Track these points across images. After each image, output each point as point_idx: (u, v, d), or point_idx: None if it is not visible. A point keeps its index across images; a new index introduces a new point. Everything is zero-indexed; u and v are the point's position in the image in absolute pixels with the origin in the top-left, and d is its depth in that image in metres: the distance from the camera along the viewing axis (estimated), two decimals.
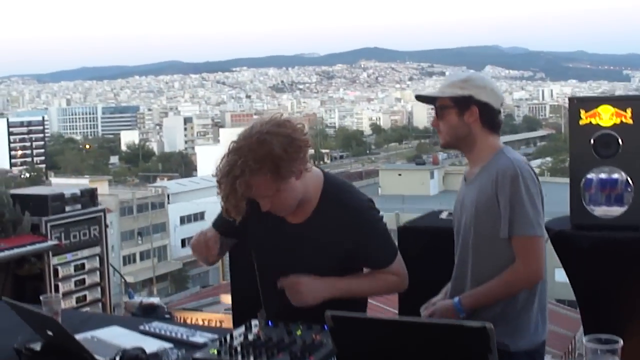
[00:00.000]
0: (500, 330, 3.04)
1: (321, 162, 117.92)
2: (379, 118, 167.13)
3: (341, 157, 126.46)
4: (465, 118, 3.28)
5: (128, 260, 53.45)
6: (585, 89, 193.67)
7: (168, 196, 58.37)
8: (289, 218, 3.20)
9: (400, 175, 66.29)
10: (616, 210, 4.57)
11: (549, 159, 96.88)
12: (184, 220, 56.50)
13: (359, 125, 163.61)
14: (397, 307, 4.76)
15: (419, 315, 3.35)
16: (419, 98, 3.51)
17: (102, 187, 54.48)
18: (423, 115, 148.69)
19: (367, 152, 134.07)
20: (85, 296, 6.53)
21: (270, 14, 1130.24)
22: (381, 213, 3.31)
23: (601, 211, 4.59)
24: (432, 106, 3.42)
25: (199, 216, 54.76)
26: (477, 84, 3.30)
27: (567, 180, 4.72)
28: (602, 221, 4.57)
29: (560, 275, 4.88)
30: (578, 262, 4.53)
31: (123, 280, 7.12)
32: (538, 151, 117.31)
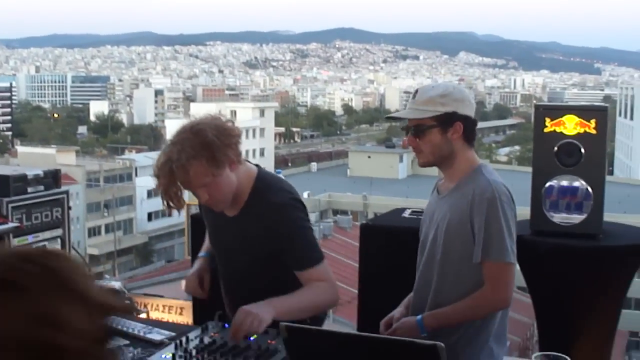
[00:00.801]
0: (467, 352, 3.09)
1: (291, 141, 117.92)
2: (351, 99, 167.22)
3: (312, 136, 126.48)
4: (449, 135, 3.11)
5: (93, 232, 53.22)
6: (557, 80, 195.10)
7: (136, 169, 58.04)
8: (226, 211, 3.28)
9: (369, 157, 66.38)
10: (575, 218, 4.63)
11: (517, 147, 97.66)
12: (151, 194, 56.18)
13: (330, 105, 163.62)
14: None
15: (379, 313, 3.34)
16: (395, 119, 3.38)
17: (69, 158, 54.10)
18: (395, 98, 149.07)
19: (338, 132, 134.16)
20: None
21: None
22: (310, 215, 3.39)
23: (560, 218, 4.65)
24: (401, 125, 3.27)
25: None
26: (456, 97, 3.13)
27: None
28: (561, 228, 4.63)
29: None
30: (536, 267, 4.59)
31: (85, 263, 7.07)
32: (507, 139, 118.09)
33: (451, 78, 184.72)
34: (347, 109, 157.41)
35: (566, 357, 2.56)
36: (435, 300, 3.16)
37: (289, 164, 79.82)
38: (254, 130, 74.01)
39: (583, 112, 4.58)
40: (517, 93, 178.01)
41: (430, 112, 3.10)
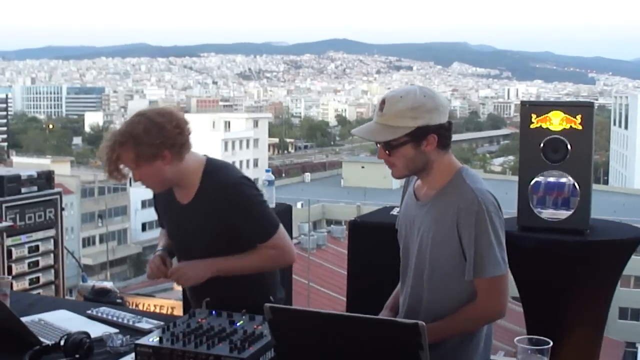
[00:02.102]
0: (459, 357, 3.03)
1: (285, 152, 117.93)
2: (345, 110, 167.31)
3: (305, 147, 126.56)
4: (423, 148, 2.95)
5: (88, 242, 53.08)
6: (551, 90, 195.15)
7: (130, 179, 57.90)
8: (178, 198, 3.47)
9: (363, 167, 66.42)
10: (562, 214, 4.67)
11: (511, 157, 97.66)
12: (145, 204, 56.14)
13: (324, 116, 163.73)
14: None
15: (367, 307, 3.32)
16: (363, 137, 3.12)
17: (64, 168, 54.11)
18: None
19: (332, 143, 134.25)
20: (38, 278, 6.51)
21: (240, 1, 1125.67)
22: (261, 190, 3.55)
23: (547, 214, 4.69)
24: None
25: None
26: (428, 107, 2.92)
27: None
28: (548, 224, 4.67)
29: None
30: (523, 262, 4.62)
31: (78, 263, 7.10)
32: (501, 149, 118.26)
33: (445, 88, 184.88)
34: (341, 119, 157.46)
35: (548, 340, 2.59)
36: (428, 315, 3.01)
37: (283, 175, 79.78)
38: (247, 141, 74.12)
39: (569, 108, 4.63)
40: (511, 103, 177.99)
41: (401, 129, 2.91)
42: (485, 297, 2.96)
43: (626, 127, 78.98)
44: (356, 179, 62.15)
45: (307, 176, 73.00)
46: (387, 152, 2.97)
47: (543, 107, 4.69)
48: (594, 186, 4.95)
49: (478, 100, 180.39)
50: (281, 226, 3.43)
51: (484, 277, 2.93)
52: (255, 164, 69.59)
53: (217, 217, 3.34)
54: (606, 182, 77.28)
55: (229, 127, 77.73)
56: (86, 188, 54.29)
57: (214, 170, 3.42)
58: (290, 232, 6.16)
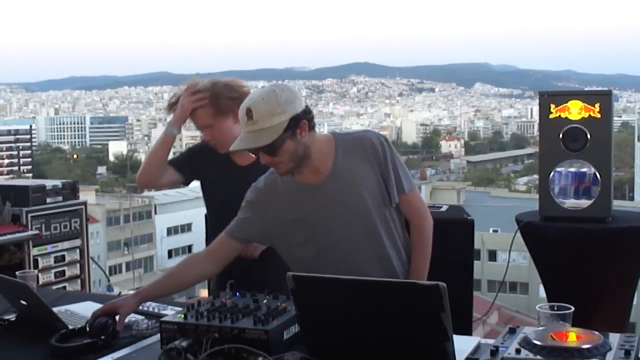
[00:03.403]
0: None
1: None
2: None
3: None
4: (298, 136, 3.01)
5: (114, 270, 53.28)
6: None
7: (155, 207, 58.19)
8: (238, 161, 3.83)
9: None
10: (584, 203, 4.69)
11: (536, 176, 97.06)
12: (170, 231, 56.40)
13: None
14: None
15: None
16: (245, 149, 3.06)
17: (89, 197, 54.33)
18: (412, 131, 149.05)
19: None
20: (64, 287, 6.58)
21: (261, 27, 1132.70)
22: None
23: (569, 203, 4.71)
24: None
25: (186, 227, 54.73)
26: (290, 99, 2.99)
27: None
28: (570, 213, 4.69)
29: None
30: (546, 252, 4.64)
31: (104, 273, 7.16)
32: (526, 168, 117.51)
33: (467, 109, 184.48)
34: None
35: (570, 306, 2.61)
36: (389, 269, 3.22)
37: None
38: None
39: (587, 96, 4.66)
40: (534, 122, 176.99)
41: (278, 126, 2.95)
42: (415, 211, 3.27)
43: None
44: None
45: None
46: (270, 155, 3.01)
47: (561, 96, 4.72)
48: (620, 202, 4.97)
49: (501, 120, 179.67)
50: None
51: (408, 193, 3.20)
52: None
53: None
54: (632, 199, 76.58)
55: None
56: (112, 217, 54.55)
57: None
58: None
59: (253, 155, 3.15)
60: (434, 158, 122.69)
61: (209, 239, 3.80)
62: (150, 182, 4.10)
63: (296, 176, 3.16)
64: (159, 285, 3.26)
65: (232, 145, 3.03)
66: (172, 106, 3.91)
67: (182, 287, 3.30)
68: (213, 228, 3.84)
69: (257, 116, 2.95)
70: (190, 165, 3.99)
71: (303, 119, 3.02)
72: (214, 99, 3.74)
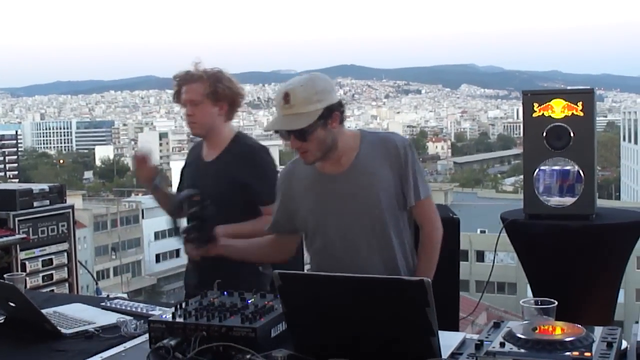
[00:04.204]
0: None
1: None
2: None
3: None
4: (329, 126, 3.14)
5: (102, 275, 53.14)
6: None
7: (142, 211, 58.01)
8: (204, 156, 3.99)
9: None
10: (568, 200, 4.73)
11: (522, 176, 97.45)
12: (158, 235, 56.23)
13: None
14: None
15: None
16: (279, 131, 3.18)
17: (76, 202, 54.11)
18: (399, 133, 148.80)
19: None
20: (52, 291, 6.55)
21: (247, 30, 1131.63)
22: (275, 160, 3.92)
23: (554, 201, 4.75)
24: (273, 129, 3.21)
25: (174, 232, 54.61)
26: (327, 89, 3.15)
27: None
28: (554, 210, 4.73)
29: None
30: (531, 249, 4.68)
31: (92, 276, 7.15)
32: (512, 169, 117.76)
33: (454, 110, 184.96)
34: None
35: (553, 300, 2.64)
36: (390, 265, 3.27)
37: None
38: None
39: (570, 95, 4.71)
40: (521, 123, 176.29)
41: (313, 113, 3.08)
42: (427, 218, 3.32)
43: (636, 142, 78.70)
44: None
45: None
46: (300, 140, 3.13)
47: (545, 95, 4.77)
48: (606, 202, 5.03)
49: (487, 121, 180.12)
50: None
51: (423, 199, 3.26)
52: None
53: (233, 172, 3.81)
54: (618, 198, 76.93)
55: None
56: (99, 221, 54.39)
57: (245, 136, 4.00)
58: (302, 253, 6.24)
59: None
60: (421, 160, 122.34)
61: None
62: None
63: (317, 165, 3.27)
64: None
65: (266, 125, 3.24)
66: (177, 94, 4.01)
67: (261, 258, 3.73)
68: None
69: (294, 101, 3.08)
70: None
71: (336, 111, 3.15)
72: (214, 81, 3.85)
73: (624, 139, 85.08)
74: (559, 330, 2.41)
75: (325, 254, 3.29)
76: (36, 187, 6.54)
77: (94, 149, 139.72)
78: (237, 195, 3.81)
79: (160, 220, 58.17)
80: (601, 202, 5.06)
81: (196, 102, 3.87)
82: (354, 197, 3.22)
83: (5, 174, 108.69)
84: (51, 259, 6.54)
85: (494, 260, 5.65)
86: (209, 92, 3.85)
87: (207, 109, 3.88)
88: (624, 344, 2.49)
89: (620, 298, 5.34)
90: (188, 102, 3.90)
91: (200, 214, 3.36)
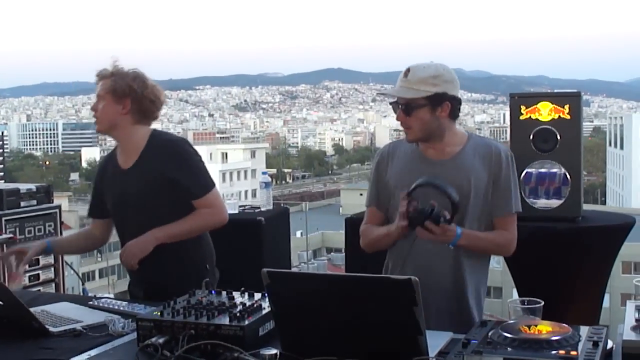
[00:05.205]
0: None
1: (283, 182, 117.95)
2: (342, 138, 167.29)
3: (303, 177, 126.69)
4: (438, 113, 3.29)
5: (88, 277, 52.84)
6: None
7: None
8: (121, 164, 3.90)
9: (361, 195, 66.20)
10: (554, 203, 4.76)
11: None
12: None
13: (321, 146, 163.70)
14: None
15: None
16: (386, 96, 3.42)
17: (62, 203, 53.87)
18: (385, 136, 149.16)
19: (329, 172, 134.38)
20: (39, 291, 6.55)
21: (235, 33, 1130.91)
22: (303, 254, 3.74)
23: (540, 203, 4.78)
24: (390, 101, 3.39)
25: None
26: (447, 79, 3.29)
27: None
28: (541, 213, 4.75)
29: None
30: (517, 251, 4.67)
31: (77, 276, 7.12)
32: None
33: None
34: (338, 148, 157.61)
35: (539, 300, 2.66)
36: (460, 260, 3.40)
37: (282, 205, 79.54)
38: (245, 172, 74.14)
39: (557, 98, 4.75)
40: (507, 127, 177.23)
41: (423, 92, 3.25)
42: (511, 229, 3.42)
43: (622, 147, 79.14)
44: (355, 206, 61.72)
45: (306, 205, 72.87)
46: (406, 115, 3.29)
47: (532, 98, 4.81)
48: (592, 207, 5.07)
49: (474, 126, 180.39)
50: (216, 187, 3.82)
51: (512, 212, 3.39)
52: (254, 195, 69.46)
53: (157, 171, 3.73)
54: (604, 203, 77.26)
55: (227, 158, 77.91)
56: (85, 223, 54.09)
57: (161, 132, 3.95)
58: (288, 254, 6.23)
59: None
60: None
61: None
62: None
63: (421, 147, 3.41)
64: None
65: (384, 90, 3.31)
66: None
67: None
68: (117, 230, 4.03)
69: (412, 77, 3.28)
70: (100, 203, 4.07)
71: (449, 101, 3.29)
72: (118, 78, 3.84)
73: (610, 144, 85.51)
74: (546, 329, 2.44)
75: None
76: (23, 187, 6.54)
77: (80, 150, 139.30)
78: (166, 194, 3.76)
79: None
80: (587, 207, 5.09)
81: (100, 97, 3.86)
82: (449, 182, 3.26)
83: None
84: (38, 259, 6.52)
85: None
86: (111, 89, 3.82)
87: (109, 105, 3.83)
88: (610, 343, 2.51)
89: (606, 303, 5.37)
90: (96, 97, 3.91)
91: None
